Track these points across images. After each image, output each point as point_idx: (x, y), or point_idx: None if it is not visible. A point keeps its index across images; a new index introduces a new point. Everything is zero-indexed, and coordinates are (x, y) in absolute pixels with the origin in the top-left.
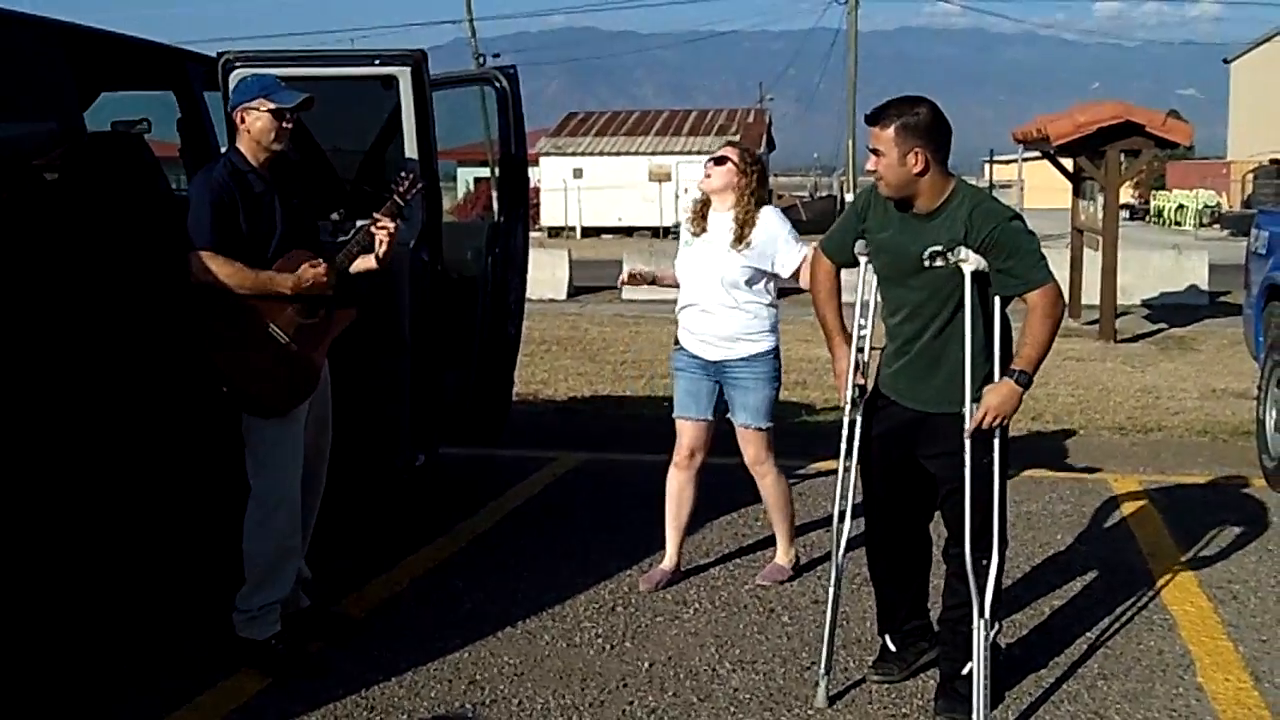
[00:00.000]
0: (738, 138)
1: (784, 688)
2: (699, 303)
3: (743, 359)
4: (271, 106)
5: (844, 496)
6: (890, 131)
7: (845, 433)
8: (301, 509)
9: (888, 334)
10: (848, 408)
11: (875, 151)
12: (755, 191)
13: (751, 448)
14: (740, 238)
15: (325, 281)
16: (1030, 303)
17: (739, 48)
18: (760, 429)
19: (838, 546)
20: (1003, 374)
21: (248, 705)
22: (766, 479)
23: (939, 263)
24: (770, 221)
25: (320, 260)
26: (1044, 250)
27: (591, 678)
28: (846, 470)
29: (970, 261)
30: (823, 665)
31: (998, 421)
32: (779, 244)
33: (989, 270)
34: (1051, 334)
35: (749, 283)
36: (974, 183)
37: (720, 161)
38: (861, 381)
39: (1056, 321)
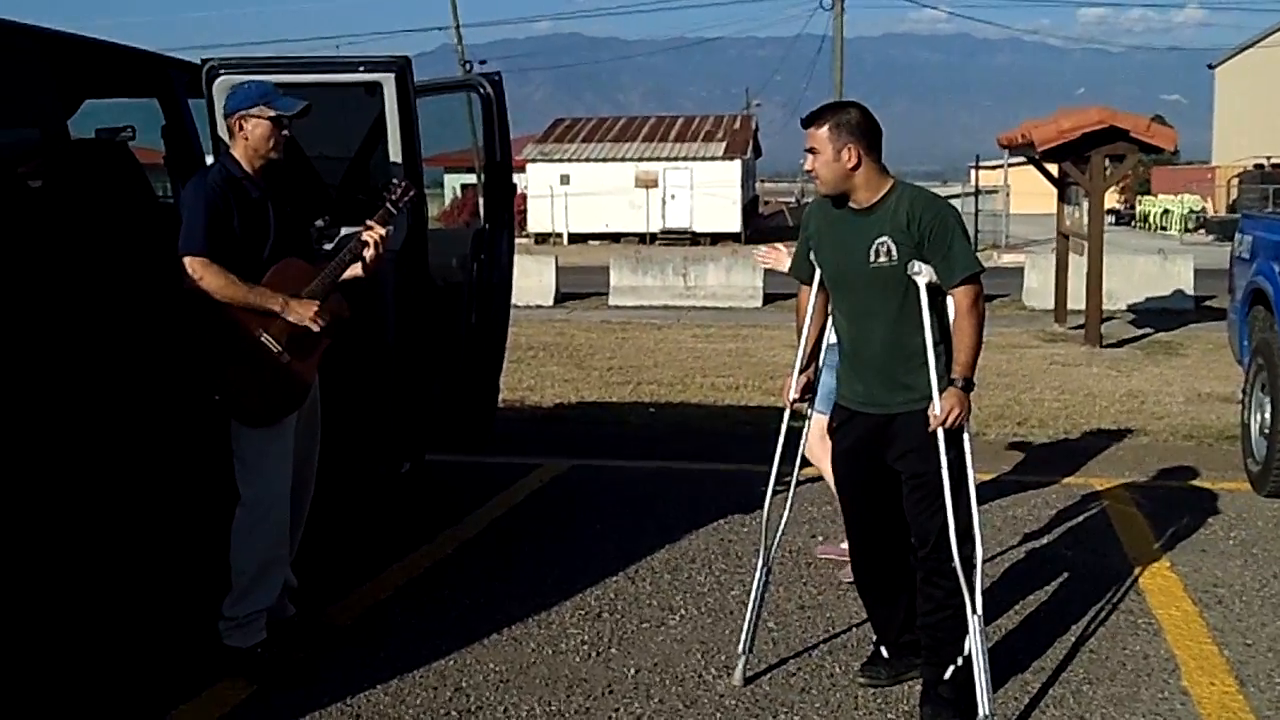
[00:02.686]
0: (724, 144)
1: (770, 694)
2: None
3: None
4: (272, 114)
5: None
6: (824, 130)
7: (783, 438)
8: (289, 517)
9: (841, 342)
10: (787, 413)
11: (811, 150)
12: None
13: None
14: None
15: (312, 316)
16: (955, 300)
17: (725, 54)
18: (819, 413)
19: (766, 532)
20: (948, 377)
21: (233, 713)
22: (823, 465)
23: (883, 259)
24: None
25: (314, 302)
26: (1035, 255)
27: (577, 685)
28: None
29: (924, 275)
30: (742, 644)
31: (955, 423)
32: None
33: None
34: (979, 331)
35: None
36: (959, 188)
37: None
38: (807, 383)
39: (981, 318)
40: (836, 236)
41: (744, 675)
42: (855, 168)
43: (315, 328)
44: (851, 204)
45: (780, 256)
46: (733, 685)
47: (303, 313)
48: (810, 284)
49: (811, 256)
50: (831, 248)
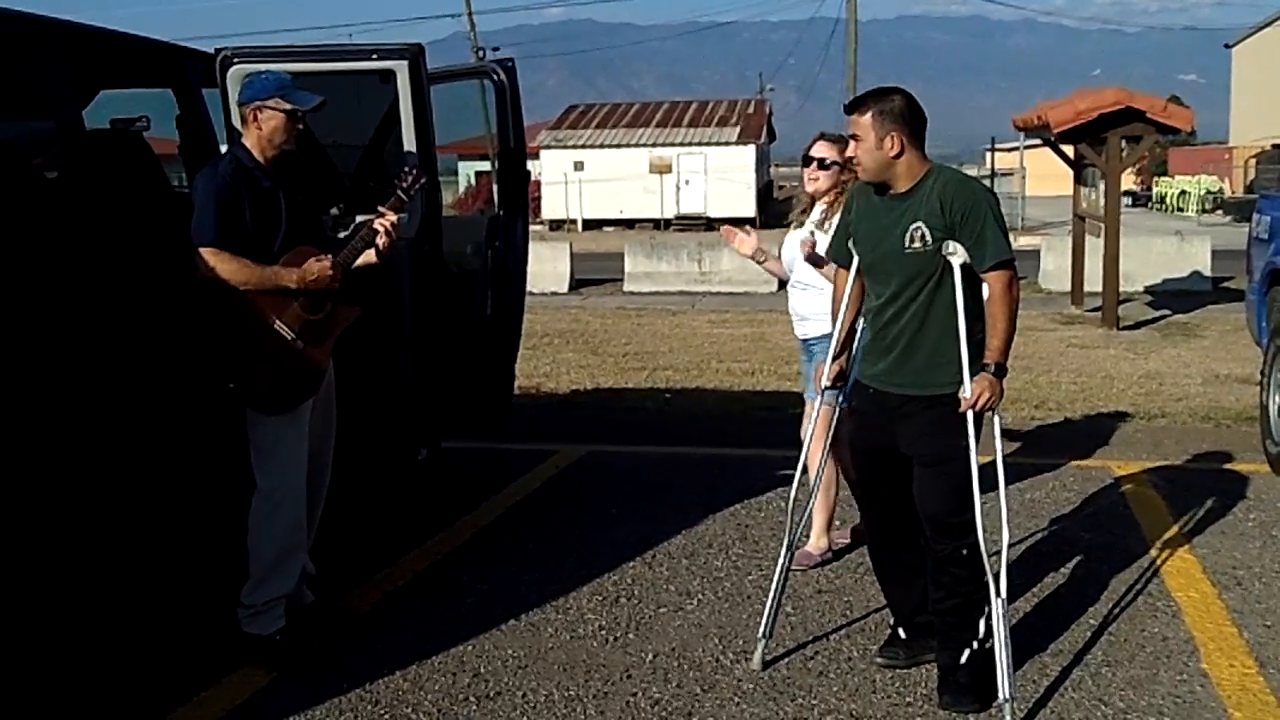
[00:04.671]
0: (738, 129)
1: (788, 678)
2: (791, 283)
3: (814, 338)
4: (288, 107)
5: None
6: (867, 118)
7: (814, 423)
8: (306, 504)
9: (868, 324)
10: (820, 395)
11: (854, 137)
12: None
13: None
14: (822, 222)
15: (331, 276)
16: (989, 285)
17: (738, 38)
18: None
19: (791, 516)
20: (980, 361)
21: (252, 700)
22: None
23: (917, 244)
24: None
25: (326, 255)
26: (1051, 237)
27: (595, 669)
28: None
29: (959, 255)
30: (762, 629)
31: (985, 407)
32: None
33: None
34: (1012, 318)
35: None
36: (975, 171)
37: (824, 165)
38: (840, 371)
39: (1014, 304)
40: (874, 221)
41: (763, 659)
42: (897, 156)
43: (335, 284)
44: (890, 190)
45: (732, 235)
46: (751, 669)
47: (320, 268)
48: (848, 268)
49: (849, 243)
50: (868, 232)
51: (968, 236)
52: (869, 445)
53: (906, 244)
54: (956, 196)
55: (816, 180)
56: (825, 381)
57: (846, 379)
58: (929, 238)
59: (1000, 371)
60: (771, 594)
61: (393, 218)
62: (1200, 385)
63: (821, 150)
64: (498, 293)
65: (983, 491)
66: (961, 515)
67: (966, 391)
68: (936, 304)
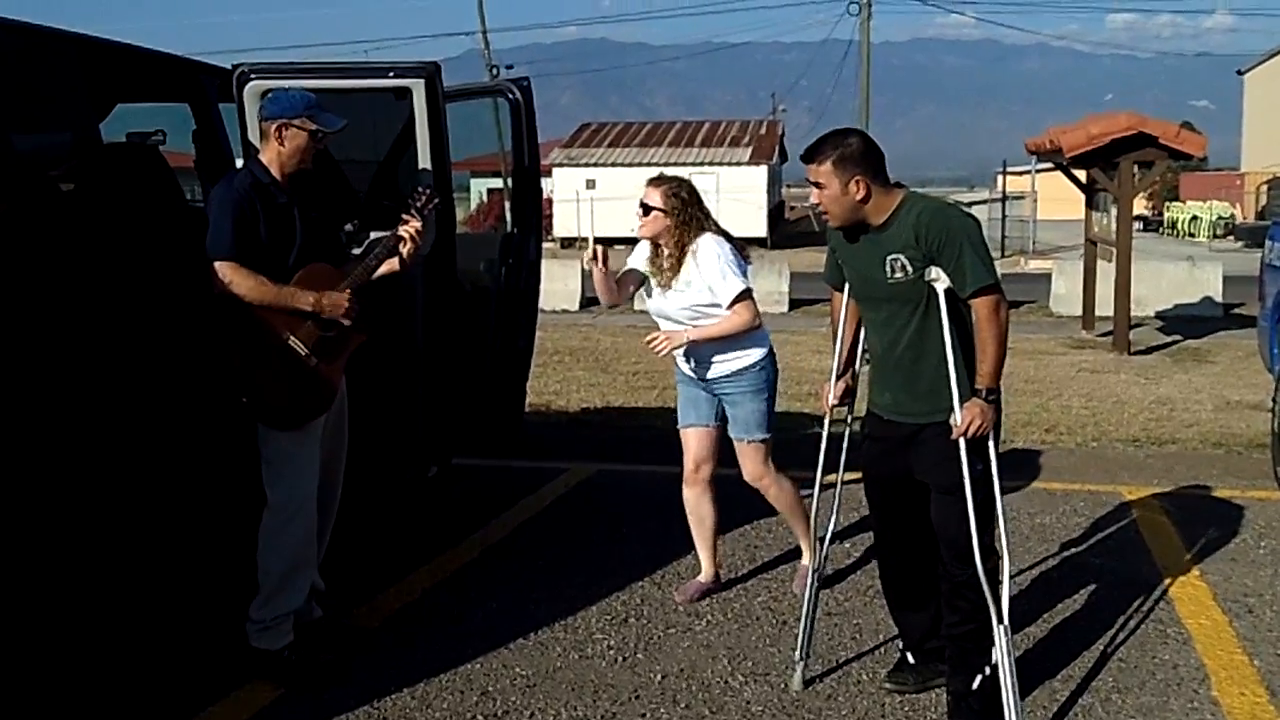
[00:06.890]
0: (750, 149)
1: (797, 700)
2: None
3: (727, 375)
4: (313, 128)
5: (820, 501)
6: (828, 165)
7: (825, 444)
8: (316, 520)
9: (869, 352)
10: (828, 419)
11: (817, 185)
12: (684, 228)
13: (748, 462)
14: (669, 284)
15: (345, 309)
16: (975, 310)
17: (751, 59)
18: (752, 441)
19: (817, 546)
20: (972, 386)
21: (260, 716)
22: (770, 491)
23: (899, 274)
24: (705, 255)
25: (344, 289)
26: (1063, 261)
27: (604, 689)
28: (826, 481)
29: (942, 280)
30: (799, 651)
31: (977, 434)
32: (713, 277)
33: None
34: (1002, 341)
35: (705, 312)
36: (986, 194)
37: (646, 210)
38: (846, 389)
39: (1002, 327)
40: (855, 253)
41: (803, 679)
42: (865, 199)
43: (347, 321)
44: (867, 226)
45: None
46: (793, 691)
47: (337, 300)
48: (842, 290)
49: (839, 261)
50: (852, 264)
51: (947, 265)
52: (882, 471)
53: (889, 275)
54: (931, 226)
55: (644, 227)
56: (833, 400)
57: (853, 395)
58: (909, 267)
59: (991, 396)
60: (804, 614)
61: (416, 224)
62: (1211, 411)
63: (647, 196)
64: (510, 310)
65: (984, 518)
66: (980, 540)
67: (957, 419)
68: (930, 330)
